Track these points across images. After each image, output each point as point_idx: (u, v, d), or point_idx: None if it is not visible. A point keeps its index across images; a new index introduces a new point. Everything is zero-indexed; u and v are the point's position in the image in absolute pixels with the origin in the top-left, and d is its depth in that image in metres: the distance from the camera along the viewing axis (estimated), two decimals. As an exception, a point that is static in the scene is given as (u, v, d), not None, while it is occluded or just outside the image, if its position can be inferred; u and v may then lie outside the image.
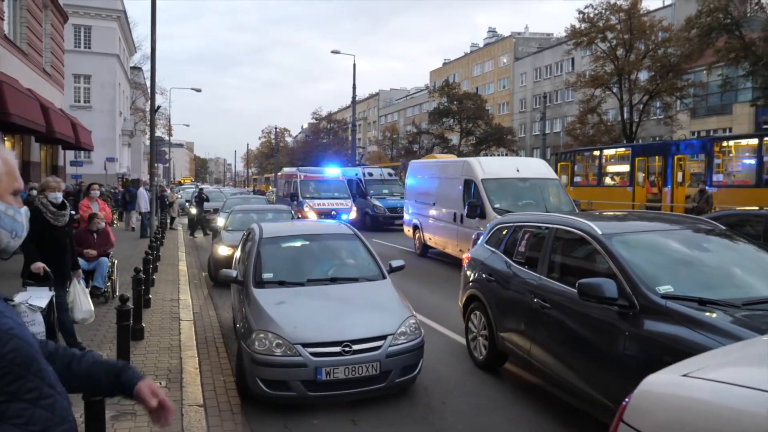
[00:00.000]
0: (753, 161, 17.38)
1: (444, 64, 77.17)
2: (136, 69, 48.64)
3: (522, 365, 5.84)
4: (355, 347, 5.12)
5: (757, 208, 11.07)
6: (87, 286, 7.53)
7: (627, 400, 2.29)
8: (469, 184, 13.09)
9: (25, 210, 1.76)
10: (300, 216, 20.15)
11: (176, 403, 5.07)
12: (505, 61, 62.66)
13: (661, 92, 31.59)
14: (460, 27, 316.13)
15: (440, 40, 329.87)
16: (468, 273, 6.90)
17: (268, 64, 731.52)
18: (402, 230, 18.56)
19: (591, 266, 4.94)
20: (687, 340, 3.63)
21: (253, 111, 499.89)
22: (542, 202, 12.33)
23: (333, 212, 20.65)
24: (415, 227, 16.22)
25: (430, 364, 6.13)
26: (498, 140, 48.96)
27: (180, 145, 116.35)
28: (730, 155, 18.97)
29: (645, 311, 4.03)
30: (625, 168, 22.27)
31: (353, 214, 21.98)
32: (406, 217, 17.57)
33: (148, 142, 26.57)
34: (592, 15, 32.05)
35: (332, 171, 25.44)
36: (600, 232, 4.82)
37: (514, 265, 5.95)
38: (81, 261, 7.78)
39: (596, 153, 24.70)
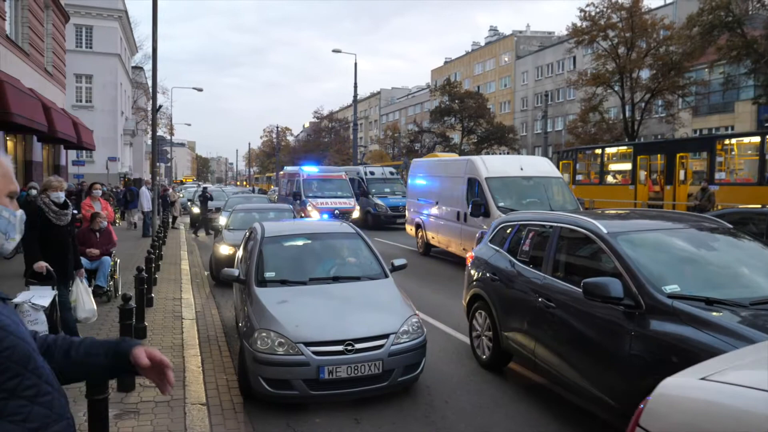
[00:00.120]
0: (755, 159, 17.36)
1: (445, 62, 77.11)
2: (138, 68, 48.68)
3: (526, 365, 5.81)
4: (358, 346, 5.12)
5: (759, 205, 11.06)
6: (90, 285, 7.55)
7: (643, 404, 2.24)
8: (472, 183, 13.04)
9: (20, 213, 1.77)
10: (303, 215, 20.13)
11: (179, 402, 5.08)
12: (506, 59, 62.59)
13: (662, 90, 31.54)
14: (461, 27, 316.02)
15: (441, 40, 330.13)
16: (472, 272, 6.87)
17: (269, 63, 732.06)
18: (404, 229, 18.54)
19: (596, 265, 4.90)
20: (694, 340, 3.60)
21: (254, 110, 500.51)
22: (546, 201, 12.26)
23: (336, 211, 20.60)
24: (418, 226, 16.17)
25: (432, 363, 6.13)
26: (499, 139, 48.95)
27: (182, 145, 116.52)
28: (732, 153, 18.95)
29: (651, 311, 4.00)
30: (627, 166, 22.25)
31: (357, 213, 21.91)
32: (408, 215, 17.52)
33: (149, 142, 26.63)
34: (593, 13, 32.01)
35: (335, 170, 25.36)
36: (605, 231, 4.78)
37: (518, 264, 5.92)
38: (83, 260, 7.80)
39: (598, 151, 24.67)
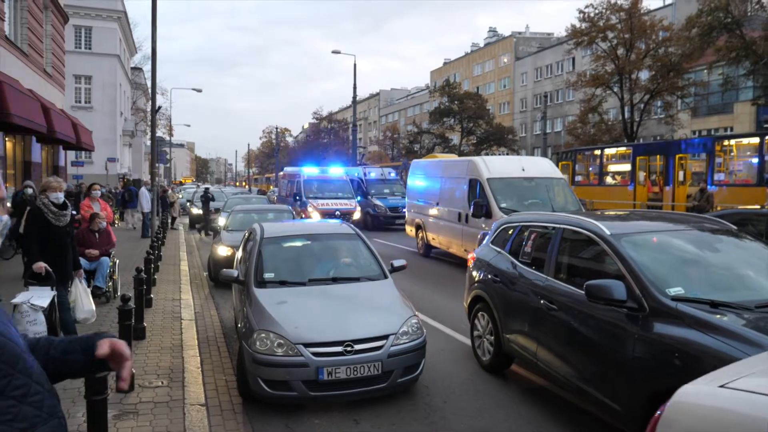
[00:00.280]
0: (754, 160, 17.37)
1: (445, 63, 77.15)
2: (137, 69, 48.68)
3: (528, 367, 5.79)
4: (357, 347, 5.11)
5: (758, 206, 11.06)
6: (88, 286, 7.54)
7: (660, 411, 2.21)
8: (474, 184, 12.98)
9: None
10: (303, 216, 20.10)
11: (178, 403, 5.07)
12: (505, 60, 62.64)
13: (661, 91, 31.56)
14: (461, 28, 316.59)
15: (440, 41, 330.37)
16: (473, 273, 6.83)
17: (269, 64, 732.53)
18: (403, 230, 18.52)
19: (599, 267, 4.86)
20: (698, 343, 3.57)
21: (253, 111, 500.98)
22: (548, 202, 12.22)
23: (337, 212, 20.54)
24: (418, 227, 16.12)
25: (431, 364, 6.13)
26: (499, 140, 48.99)
27: (181, 146, 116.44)
28: (731, 154, 18.97)
29: (655, 314, 3.96)
30: (626, 167, 22.26)
31: (358, 214, 21.84)
32: (408, 216, 17.47)
33: (149, 143, 26.60)
34: (592, 14, 32.06)
35: (336, 170, 25.28)
36: (608, 233, 4.74)
37: (520, 265, 5.87)
38: (82, 261, 7.79)
39: (597, 152, 24.68)
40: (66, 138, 15.80)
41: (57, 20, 19.63)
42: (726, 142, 19.49)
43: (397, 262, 6.84)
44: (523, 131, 58.19)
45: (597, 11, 31.86)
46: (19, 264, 10.42)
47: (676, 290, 4.06)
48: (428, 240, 15.43)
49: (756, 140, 17.81)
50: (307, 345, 5.06)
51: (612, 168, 23.76)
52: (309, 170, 24.63)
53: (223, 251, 11.05)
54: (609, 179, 23.44)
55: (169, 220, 23.40)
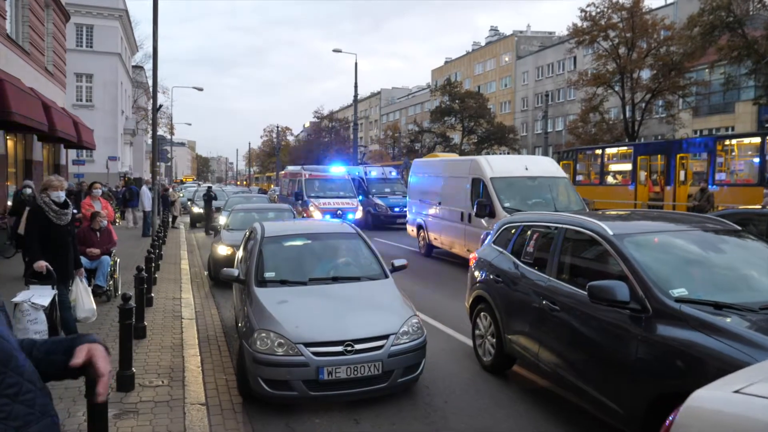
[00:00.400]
0: (756, 160, 17.35)
1: (446, 62, 77.10)
2: (138, 68, 48.69)
3: (529, 368, 5.77)
4: (357, 347, 5.11)
5: (760, 206, 11.05)
6: (89, 285, 7.55)
7: (672, 417, 2.18)
8: (477, 183, 12.89)
9: None
10: (305, 215, 20.08)
11: (178, 402, 5.08)
12: (506, 59, 62.58)
13: (663, 91, 31.53)
14: (462, 27, 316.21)
15: (441, 40, 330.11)
16: (475, 273, 6.80)
17: (269, 64, 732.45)
18: (405, 229, 18.50)
19: (602, 268, 4.82)
20: (702, 345, 3.54)
21: (254, 110, 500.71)
22: (552, 201, 12.14)
23: (339, 211, 20.51)
24: (420, 227, 16.05)
25: (432, 364, 6.13)
26: (500, 139, 48.96)
27: (182, 144, 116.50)
28: (733, 154, 18.95)
29: (658, 315, 3.93)
30: (628, 167, 22.24)
31: (359, 214, 21.81)
32: (409, 216, 17.39)
33: (150, 141, 26.65)
34: (594, 13, 32.02)
35: (337, 169, 25.24)
36: (611, 233, 4.70)
37: (522, 265, 5.84)
38: (83, 259, 7.81)
39: (598, 152, 24.67)
40: (67, 136, 15.82)
41: (58, 18, 19.63)
42: (727, 142, 19.47)
43: (397, 262, 6.84)
44: (524, 130, 58.15)
45: (598, 10, 31.85)
46: (19, 263, 10.43)
47: (679, 291, 4.02)
48: (430, 240, 15.37)
49: (757, 140, 17.78)
50: (307, 344, 5.06)
51: (613, 167, 23.74)
52: (311, 169, 24.60)
53: (223, 250, 11.04)
54: (610, 179, 23.43)
55: (170, 219, 23.41)
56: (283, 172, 37.44)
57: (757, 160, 17.20)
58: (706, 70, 32.15)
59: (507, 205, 11.78)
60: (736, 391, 2.06)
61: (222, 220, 14.22)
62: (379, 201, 24.36)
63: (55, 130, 14.19)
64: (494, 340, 6.13)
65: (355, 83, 37.39)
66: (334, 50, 37.63)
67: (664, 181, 20.24)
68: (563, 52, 42.73)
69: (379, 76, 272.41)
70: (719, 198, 16.75)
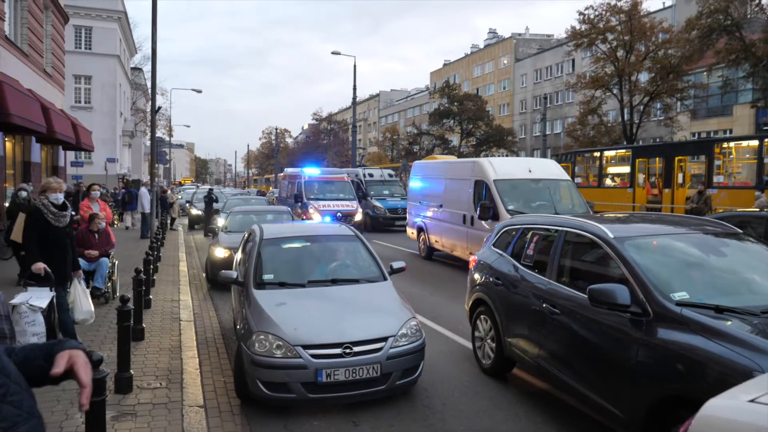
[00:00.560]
0: (753, 162, 17.39)
1: (444, 65, 77.18)
2: (137, 70, 48.69)
3: (529, 371, 5.76)
4: (356, 349, 5.10)
5: (758, 209, 11.08)
6: (87, 287, 7.53)
7: (685, 426, 2.17)
8: (480, 185, 12.74)
9: None
10: (305, 218, 20.06)
11: (176, 404, 5.07)
12: (505, 62, 62.67)
13: (661, 93, 31.58)
14: (460, 29, 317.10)
15: (440, 42, 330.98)
16: (475, 276, 6.78)
17: (269, 65, 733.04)
18: (404, 231, 18.46)
19: (602, 271, 4.80)
20: (703, 349, 3.52)
21: (253, 112, 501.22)
22: (556, 204, 12.05)
23: (339, 214, 20.48)
24: (420, 229, 15.92)
25: (430, 366, 6.13)
26: (498, 141, 48.97)
27: (180, 146, 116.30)
28: (731, 157, 18.99)
29: (659, 319, 3.91)
30: (626, 169, 22.27)
31: (359, 216, 21.79)
32: (409, 218, 17.29)
33: (148, 143, 26.59)
34: (592, 16, 32.08)
35: (337, 171, 25.19)
36: (612, 236, 4.68)
37: (522, 268, 5.82)
38: (81, 261, 7.79)
39: (597, 154, 24.69)
40: (65, 138, 15.79)
41: (57, 20, 19.63)
42: (725, 145, 19.51)
43: (396, 264, 6.83)
44: (523, 133, 58.21)
45: (597, 13, 31.91)
46: (15, 266, 10.41)
47: (680, 295, 4.01)
48: (431, 242, 15.24)
49: (755, 143, 17.84)
50: (305, 347, 5.05)
51: (611, 170, 23.77)
52: (310, 171, 24.59)
53: (220, 253, 11.01)
54: (608, 181, 23.46)
55: (169, 221, 23.40)
56: (282, 174, 37.40)
57: (754, 162, 17.24)
58: (704, 73, 32.24)
59: (511, 207, 11.65)
60: (752, 401, 2.04)
61: (220, 222, 14.17)
62: (377, 203, 24.37)
63: (53, 132, 14.16)
64: (494, 343, 6.11)
65: (354, 85, 37.40)
66: (333, 52, 37.67)
67: (663, 183, 20.27)
68: (562, 55, 42.81)
69: (378, 78, 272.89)
70: (717, 201, 16.79)
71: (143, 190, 20.58)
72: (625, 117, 32.93)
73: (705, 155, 19.17)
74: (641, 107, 32.79)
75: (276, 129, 78.52)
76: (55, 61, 19.43)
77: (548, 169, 13.22)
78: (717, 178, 18.10)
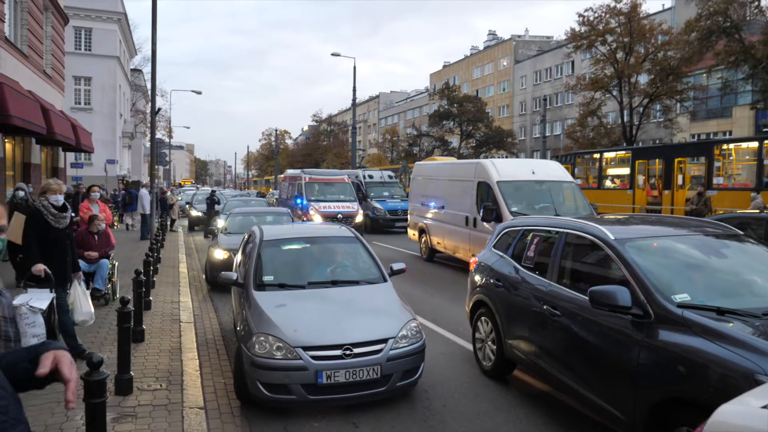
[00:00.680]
0: (753, 164, 17.41)
1: (444, 66, 77.23)
2: (137, 71, 48.69)
3: (530, 373, 5.75)
4: (356, 350, 5.10)
5: (757, 211, 11.09)
6: (87, 288, 7.52)
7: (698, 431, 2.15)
8: (483, 187, 12.64)
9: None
10: (306, 219, 20.05)
11: (177, 406, 5.06)
12: (505, 63, 62.71)
13: (661, 95, 31.60)
14: (460, 31, 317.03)
15: (440, 44, 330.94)
16: (475, 278, 6.77)
17: (268, 66, 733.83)
18: (404, 233, 18.43)
19: (603, 273, 4.79)
20: (704, 351, 3.51)
21: (253, 113, 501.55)
22: (559, 206, 11.98)
23: (339, 215, 20.46)
24: (422, 231, 15.85)
25: (431, 368, 6.12)
26: (498, 143, 48.98)
27: (180, 147, 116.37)
28: (730, 158, 19.00)
29: (660, 321, 3.90)
30: (626, 171, 22.30)
31: (360, 218, 21.79)
32: (410, 220, 17.22)
33: (148, 144, 26.60)
34: (591, 18, 32.09)
35: (338, 173, 25.17)
36: (612, 237, 4.67)
37: (523, 270, 5.81)
38: (81, 263, 7.78)
39: (596, 156, 24.72)
40: (65, 139, 15.80)
41: (57, 21, 19.63)
42: (725, 146, 19.53)
43: (396, 266, 6.83)
44: (523, 134, 58.24)
45: (596, 15, 31.91)
46: (11, 267, 10.38)
47: (681, 297, 4.00)
48: (432, 244, 15.16)
49: (755, 144, 17.86)
50: (306, 348, 5.05)
51: (611, 171, 23.79)
52: (310, 172, 24.57)
53: (219, 254, 11.00)
54: (608, 183, 23.48)
55: (169, 222, 23.40)
56: (282, 175, 37.41)
57: (754, 164, 17.26)
58: (704, 75, 32.24)
59: (514, 209, 11.53)
60: (765, 407, 2.02)
61: (220, 223, 14.16)
62: (377, 204, 24.35)
63: (53, 134, 14.16)
64: (494, 345, 6.11)
65: (354, 87, 37.44)
66: (333, 54, 37.81)
67: (662, 185, 20.29)
68: (561, 57, 42.86)
69: (378, 80, 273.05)
70: (717, 202, 16.81)
71: (143, 192, 20.58)
72: (625, 118, 32.94)
73: (705, 157, 19.21)
74: (641, 109, 32.81)
75: (276, 130, 78.49)
76: (55, 63, 19.43)
77: (552, 170, 13.11)
78: (717, 180, 18.12)
